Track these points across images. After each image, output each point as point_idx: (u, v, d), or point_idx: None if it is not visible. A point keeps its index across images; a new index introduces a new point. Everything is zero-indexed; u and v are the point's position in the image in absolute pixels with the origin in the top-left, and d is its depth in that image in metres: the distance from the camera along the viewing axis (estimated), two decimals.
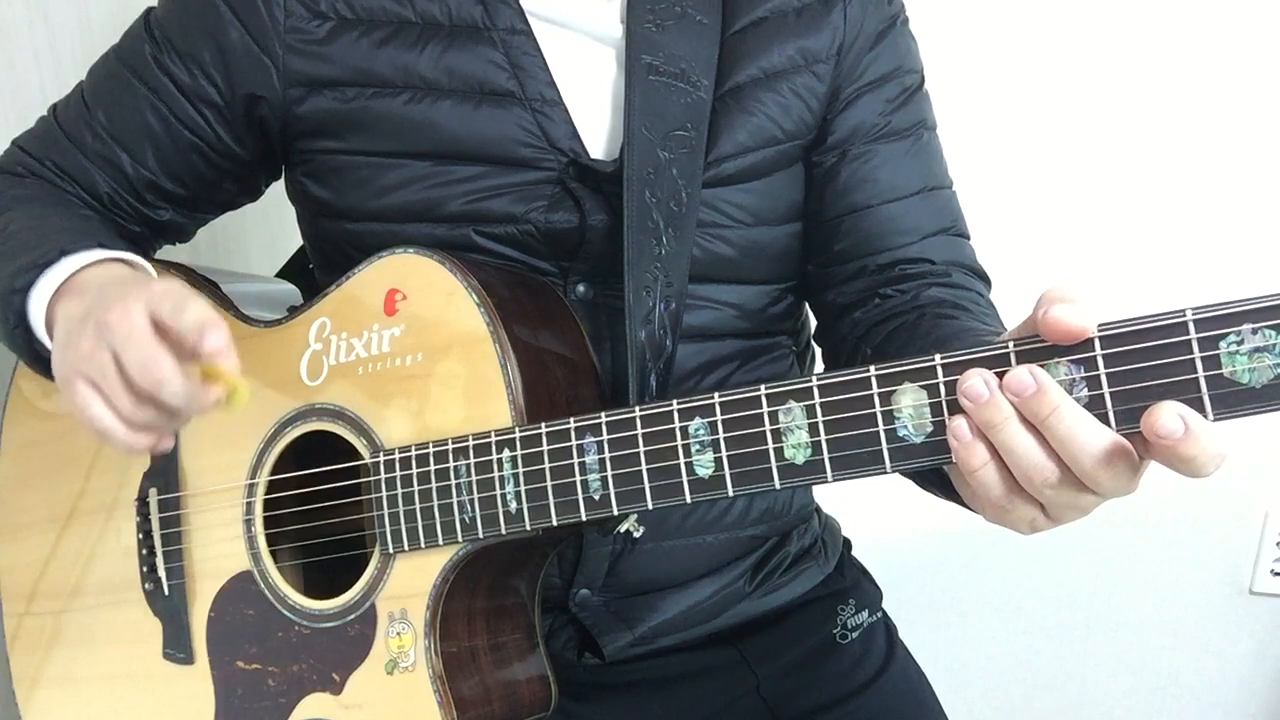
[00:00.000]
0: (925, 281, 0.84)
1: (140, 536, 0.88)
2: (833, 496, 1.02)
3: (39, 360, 0.78)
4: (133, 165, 0.86)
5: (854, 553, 1.03)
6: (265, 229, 0.94)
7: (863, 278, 0.86)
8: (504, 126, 0.81)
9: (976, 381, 0.55)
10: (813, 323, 0.96)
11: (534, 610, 0.82)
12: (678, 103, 0.82)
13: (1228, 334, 0.51)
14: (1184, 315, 0.52)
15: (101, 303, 0.68)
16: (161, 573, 0.87)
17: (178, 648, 0.86)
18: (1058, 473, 0.55)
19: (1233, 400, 0.52)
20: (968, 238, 0.90)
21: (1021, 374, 0.54)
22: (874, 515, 1.23)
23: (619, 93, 0.83)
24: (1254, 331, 0.51)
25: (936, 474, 0.66)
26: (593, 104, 0.84)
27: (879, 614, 0.97)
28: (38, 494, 0.95)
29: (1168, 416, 0.51)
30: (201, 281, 0.91)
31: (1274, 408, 0.51)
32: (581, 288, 0.84)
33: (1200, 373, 0.52)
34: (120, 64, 0.87)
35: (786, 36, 0.85)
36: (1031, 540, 1.52)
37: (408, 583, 0.76)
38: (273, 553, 0.83)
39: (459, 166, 0.82)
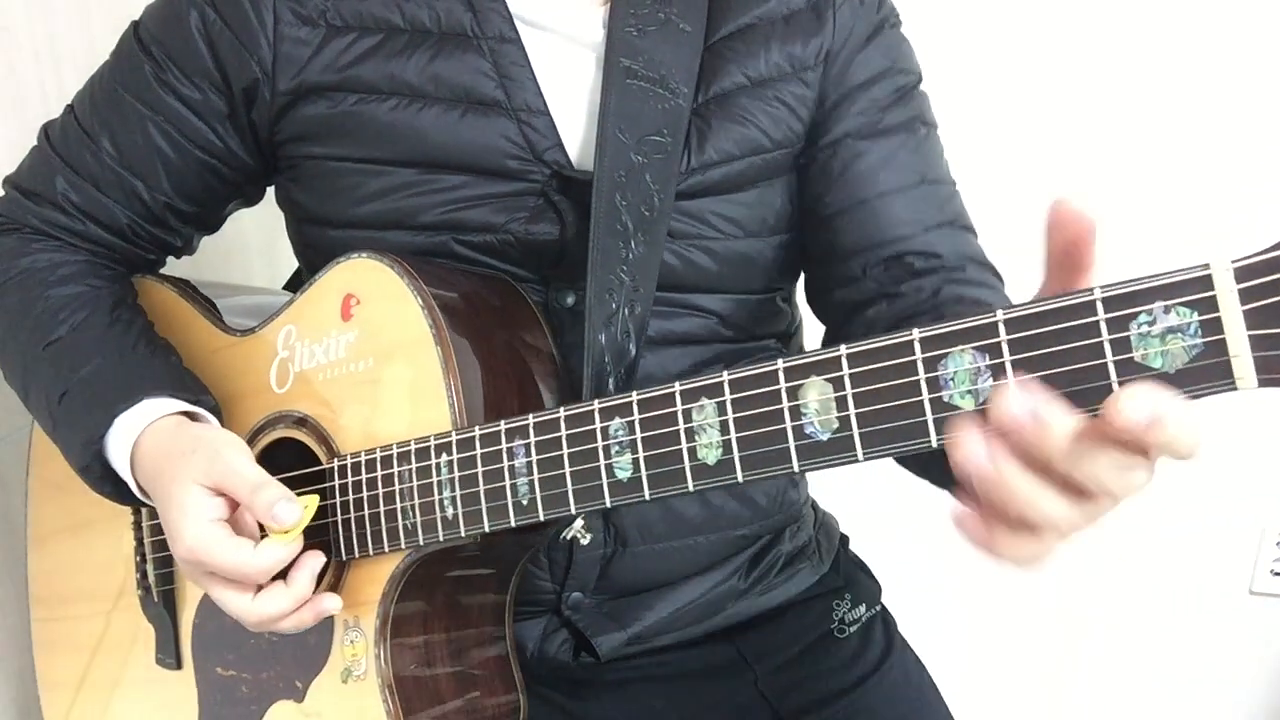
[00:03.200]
0: (939, 278, 0.80)
1: (135, 543, 0.90)
2: (833, 493, 1.01)
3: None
4: (149, 192, 0.86)
5: (854, 547, 1.00)
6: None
7: (871, 274, 0.83)
8: (488, 136, 0.80)
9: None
10: (805, 324, 0.92)
11: (506, 619, 0.80)
12: (655, 108, 0.80)
13: (1138, 313, 0.46)
14: (1092, 294, 0.47)
15: (163, 513, 0.75)
16: (151, 579, 0.89)
17: (167, 653, 0.88)
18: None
19: None
20: (975, 233, 0.85)
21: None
22: (875, 512, 1.22)
23: (597, 97, 0.81)
24: (1166, 310, 0.45)
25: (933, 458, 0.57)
26: (573, 110, 0.82)
27: (877, 608, 0.94)
28: (65, 500, 0.98)
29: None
30: (200, 299, 0.92)
31: (1190, 395, 0.45)
32: (562, 295, 0.82)
33: (1109, 358, 0.47)
34: (120, 87, 0.85)
35: (774, 43, 0.82)
36: None
37: (360, 591, 0.76)
38: None
39: (442, 175, 0.81)
